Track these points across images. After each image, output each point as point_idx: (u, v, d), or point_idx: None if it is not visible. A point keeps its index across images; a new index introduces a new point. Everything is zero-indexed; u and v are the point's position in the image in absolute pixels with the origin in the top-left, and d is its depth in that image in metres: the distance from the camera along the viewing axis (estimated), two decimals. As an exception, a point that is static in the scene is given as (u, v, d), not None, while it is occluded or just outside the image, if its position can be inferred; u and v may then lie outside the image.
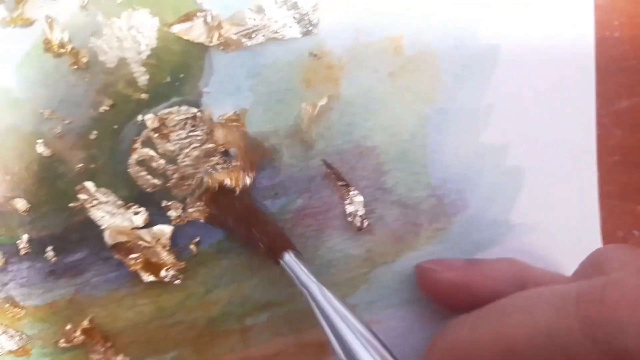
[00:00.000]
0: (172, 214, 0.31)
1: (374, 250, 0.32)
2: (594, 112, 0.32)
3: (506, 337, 0.21)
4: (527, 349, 0.21)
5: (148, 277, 0.30)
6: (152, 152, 0.31)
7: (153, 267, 0.31)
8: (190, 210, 0.30)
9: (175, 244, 0.31)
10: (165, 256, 0.30)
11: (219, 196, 0.31)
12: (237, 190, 0.30)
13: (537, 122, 0.32)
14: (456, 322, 0.25)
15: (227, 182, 0.30)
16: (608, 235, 0.33)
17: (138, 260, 0.30)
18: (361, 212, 0.31)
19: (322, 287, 0.27)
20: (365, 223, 0.31)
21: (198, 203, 0.30)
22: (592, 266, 0.25)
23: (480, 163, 0.32)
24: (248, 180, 0.30)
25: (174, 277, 0.30)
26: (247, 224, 0.30)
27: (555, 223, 0.33)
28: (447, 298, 0.29)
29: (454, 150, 0.32)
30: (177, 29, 0.30)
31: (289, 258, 0.28)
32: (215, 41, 0.30)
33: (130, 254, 0.31)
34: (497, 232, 0.33)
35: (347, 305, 0.27)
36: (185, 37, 0.30)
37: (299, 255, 0.29)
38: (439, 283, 0.29)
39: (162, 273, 0.30)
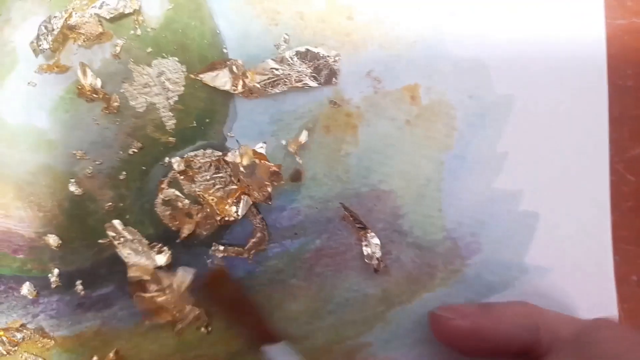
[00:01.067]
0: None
1: (390, 291, 0.33)
2: (607, 158, 0.33)
3: None
4: None
5: (165, 318, 0.32)
6: (177, 193, 0.32)
7: (171, 308, 0.32)
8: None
9: (198, 283, 0.33)
10: (184, 300, 0.31)
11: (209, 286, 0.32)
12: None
13: (551, 169, 0.33)
14: None
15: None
16: (621, 280, 0.34)
17: (157, 299, 0.32)
18: (378, 254, 0.32)
19: None
20: (382, 265, 0.32)
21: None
22: None
23: (494, 208, 0.33)
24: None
25: (192, 324, 0.32)
26: (233, 313, 0.32)
27: (568, 267, 0.34)
28: (461, 344, 0.30)
29: (469, 195, 0.33)
30: (204, 77, 0.31)
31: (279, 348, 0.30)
32: (239, 89, 0.31)
33: (150, 292, 0.32)
34: (511, 275, 0.33)
35: None
36: (212, 85, 0.31)
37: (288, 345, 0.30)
38: (452, 330, 0.30)
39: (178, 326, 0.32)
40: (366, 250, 0.33)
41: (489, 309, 0.30)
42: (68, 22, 0.29)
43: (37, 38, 0.29)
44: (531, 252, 0.33)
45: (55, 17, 0.29)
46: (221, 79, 0.31)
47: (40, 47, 0.29)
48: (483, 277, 0.33)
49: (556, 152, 0.33)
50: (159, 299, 0.31)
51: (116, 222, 0.32)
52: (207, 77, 0.31)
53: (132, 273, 0.31)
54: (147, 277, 0.31)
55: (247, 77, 0.31)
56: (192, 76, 0.31)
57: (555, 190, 0.33)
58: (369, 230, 0.32)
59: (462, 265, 0.33)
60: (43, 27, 0.29)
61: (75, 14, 0.29)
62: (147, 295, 0.31)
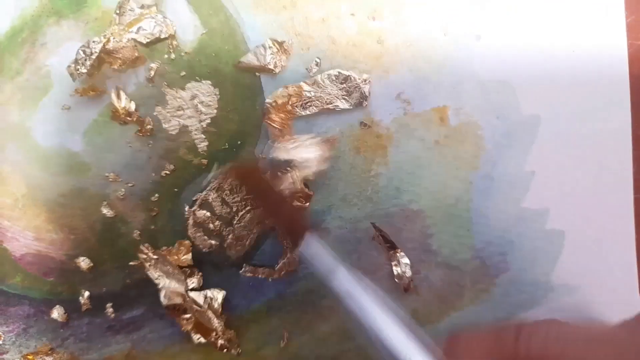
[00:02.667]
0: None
1: (419, 310, 0.33)
2: (631, 177, 0.34)
3: None
4: None
5: (198, 339, 0.32)
6: (209, 214, 0.32)
7: (203, 329, 0.32)
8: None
9: (229, 305, 0.33)
10: (216, 322, 0.32)
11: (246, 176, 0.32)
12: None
13: (576, 188, 0.33)
14: None
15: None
16: (646, 296, 0.34)
17: (190, 321, 0.32)
18: (408, 273, 0.33)
19: (343, 267, 0.28)
20: (412, 285, 0.32)
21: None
22: None
23: (522, 227, 0.33)
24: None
25: (223, 346, 0.32)
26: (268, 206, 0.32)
27: (595, 284, 0.34)
28: None
29: (497, 215, 0.33)
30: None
31: (309, 239, 0.29)
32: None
33: (183, 314, 0.32)
34: (538, 293, 0.34)
35: (368, 284, 0.28)
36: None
37: (318, 236, 0.29)
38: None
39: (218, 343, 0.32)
40: (396, 270, 0.33)
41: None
42: (106, 47, 0.29)
43: (76, 62, 0.29)
44: (558, 270, 0.34)
45: (94, 41, 0.29)
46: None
47: (78, 71, 0.29)
48: (511, 295, 0.34)
49: (581, 171, 0.33)
50: (199, 317, 0.31)
51: (147, 245, 0.32)
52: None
53: (167, 302, 0.30)
54: (181, 301, 0.31)
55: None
56: (225, 98, 0.31)
57: (580, 208, 0.34)
58: (399, 250, 0.33)
59: (490, 284, 0.33)
60: (81, 52, 0.29)
61: (113, 38, 0.30)
62: (187, 316, 0.31)
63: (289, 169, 0.30)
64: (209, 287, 0.32)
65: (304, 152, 0.31)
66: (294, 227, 0.31)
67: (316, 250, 0.29)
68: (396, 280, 0.33)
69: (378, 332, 0.26)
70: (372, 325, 0.26)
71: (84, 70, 0.29)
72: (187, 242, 0.32)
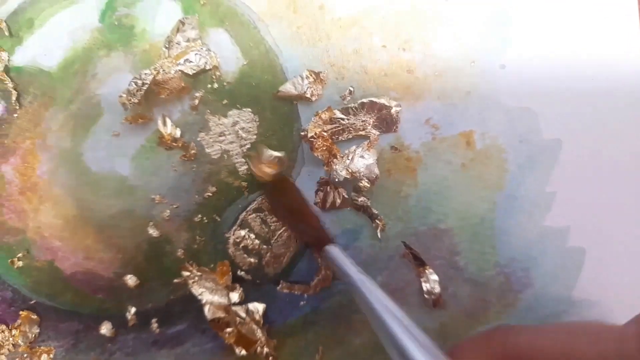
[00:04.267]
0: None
1: (447, 325, 0.35)
2: (647, 196, 0.36)
3: (576, 353, 0.25)
4: None
5: (240, 352, 0.34)
6: (249, 234, 0.34)
7: (246, 341, 0.34)
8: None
9: (267, 319, 0.35)
10: (258, 333, 0.33)
11: (273, 188, 0.34)
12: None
13: (596, 206, 0.35)
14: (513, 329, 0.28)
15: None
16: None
17: (232, 334, 0.34)
18: (437, 289, 0.35)
19: (366, 278, 0.29)
20: (441, 300, 0.34)
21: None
22: None
23: (544, 244, 0.35)
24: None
25: (268, 354, 0.34)
26: (295, 218, 0.34)
27: (614, 299, 0.36)
28: None
29: (520, 233, 0.35)
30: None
31: (332, 249, 0.31)
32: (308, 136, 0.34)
33: (226, 327, 0.34)
34: (560, 308, 0.35)
35: (389, 295, 0.28)
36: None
37: (340, 248, 0.31)
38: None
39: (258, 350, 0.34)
40: (425, 286, 0.35)
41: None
42: (156, 78, 0.32)
43: (128, 92, 0.32)
44: (579, 286, 0.35)
45: (145, 73, 0.32)
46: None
47: (130, 101, 0.31)
48: (534, 310, 0.35)
49: (601, 190, 0.35)
50: (242, 330, 0.33)
51: (191, 262, 0.34)
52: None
53: (211, 315, 0.32)
54: (224, 315, 0.33)
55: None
56: (264, 125, 0.33)
57: (600, 226, 0.35)
58: (428, 267, 0.35)
59: (514, 299, 0.35)
60: (134, 83, 0.31)
61: (162, 71, 0.32)
62: (229, 329, 0.33)
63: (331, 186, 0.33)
64: (248, 302, 0.34)
65: (361, 161, 0.33)
66: (316, 238, 0.33)
67: (337, 258, 0.30)
68: (425, 296, 0.35)
69: (397, 340, 0.26)
70: (391, 334, 0.27)
71: (136, 100, 0.32)
72: (226, 262, 0.34)
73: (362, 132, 0.34)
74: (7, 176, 0.33)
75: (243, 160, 0.34)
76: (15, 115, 0.33)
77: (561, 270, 0.35)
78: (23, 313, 0.33)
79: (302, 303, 0.35)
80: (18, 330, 0.33)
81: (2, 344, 0.33)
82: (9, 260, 0.33)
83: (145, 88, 0.31)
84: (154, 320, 0.34)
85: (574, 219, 0.35)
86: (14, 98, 0.33)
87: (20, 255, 0.33)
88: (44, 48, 0.33)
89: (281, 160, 0.33)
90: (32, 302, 0.34)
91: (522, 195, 0.35)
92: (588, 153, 0.35)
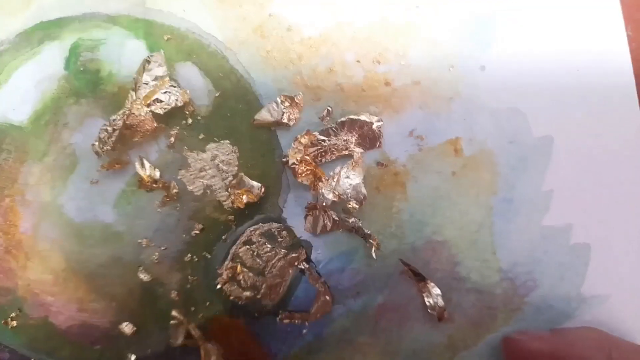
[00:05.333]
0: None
1: (455, 337, 0.34)
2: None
3: None
4: None
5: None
6: (241, 267, 0.34)
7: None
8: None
9: (269, 351, 0.34)
10: None
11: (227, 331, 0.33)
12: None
13: (596, 200, 0.34)
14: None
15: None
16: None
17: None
18: (440, 302, 0.33)
19: None
20: (446, 314, 0.33)
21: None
22: None
23: (547, 244, 0.34)
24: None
25: None
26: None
27: (625, 292, 0.35)
28: None
29: (520, 236, 0.34)
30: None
31: None
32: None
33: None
34: (570, 307, 0.34)
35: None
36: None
37: None
38: (526, 352, 0.31)
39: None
40: (428, 301, 0.34)
41: (562, 333, 0.31)
42: (126, 123, 0.31)
43: (99, 141, 0.31)
44: (587, 282, 0.34)
45: (114, 119, 0.31)
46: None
47: (103, 149, 0.31)
48: (543, 311, 0.34)
49: (599, 183, 0.34)
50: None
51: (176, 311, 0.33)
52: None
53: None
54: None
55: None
56: (244, 155, 0.32)
57: (602, 220, 0.34)
58: (429, 281, 0.34)
59: (521, 303, 0.34)
60: (104, 131, 0.31)
61: (132, 114, 0.31)
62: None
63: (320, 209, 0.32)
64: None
65: (347, 182, 0.32)
66: None
67: None
68: (429, 310, 0.34)
69: None
70: None
71: (109, 147, 0.31)
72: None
73: (346, 152, 0.33)
74: (-9, 236, 0.33)
75: (227, 193, 0.33)
76: (-9, 174, 0.32)
77: (567, 268, 0.34)
78: (23, 373, 0.33)
79: (304, 331, 0.34)
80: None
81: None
82: (3, 321, 0.33)
83: (116, 134, 0.30)
84: (155, 365, 0.33)
85: (575, 216, 0.34)
86: (-13, 157, 0.32)
87: (13, 315, 0.33)
88: (12, 103, 0.33)
89: None
90: (31, 360, 0.33)
91: (518, 197, 0.34)
92: (581, 147, 0.34)
